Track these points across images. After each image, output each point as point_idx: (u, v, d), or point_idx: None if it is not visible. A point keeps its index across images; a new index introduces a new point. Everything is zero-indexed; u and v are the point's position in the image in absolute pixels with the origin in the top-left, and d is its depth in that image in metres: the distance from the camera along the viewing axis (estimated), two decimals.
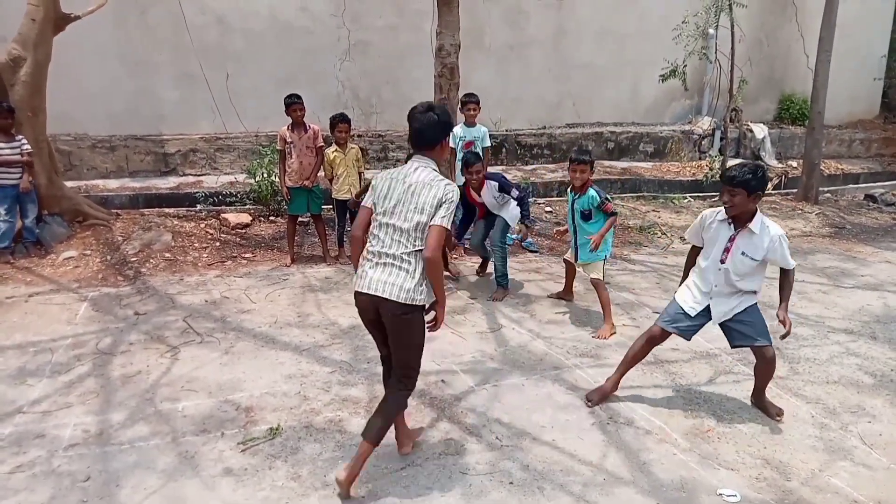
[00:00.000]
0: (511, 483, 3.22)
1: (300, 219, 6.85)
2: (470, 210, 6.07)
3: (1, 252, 5.96)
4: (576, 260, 5.26)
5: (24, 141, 6.02)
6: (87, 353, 4.48)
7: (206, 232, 7.05)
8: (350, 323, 5.06)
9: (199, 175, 8.68)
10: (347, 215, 6.59)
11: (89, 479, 3.16)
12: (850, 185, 11.14)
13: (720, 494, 3.18)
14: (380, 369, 3.99)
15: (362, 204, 3.14)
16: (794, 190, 10.13)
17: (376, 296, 2.97)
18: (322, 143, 6.34)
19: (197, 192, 7.87)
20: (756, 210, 3.65)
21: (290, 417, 3.75)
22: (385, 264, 2.98)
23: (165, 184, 8.28)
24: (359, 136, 8.97)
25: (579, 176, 4.95)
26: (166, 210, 7.56)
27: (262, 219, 7.50)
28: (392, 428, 3.26)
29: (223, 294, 5.60)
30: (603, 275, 5.11)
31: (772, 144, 11.15)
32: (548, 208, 8.62)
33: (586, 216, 5.07)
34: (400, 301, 2.94)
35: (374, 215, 3.07)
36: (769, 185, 10.53)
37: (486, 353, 4.63)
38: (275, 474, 3.24)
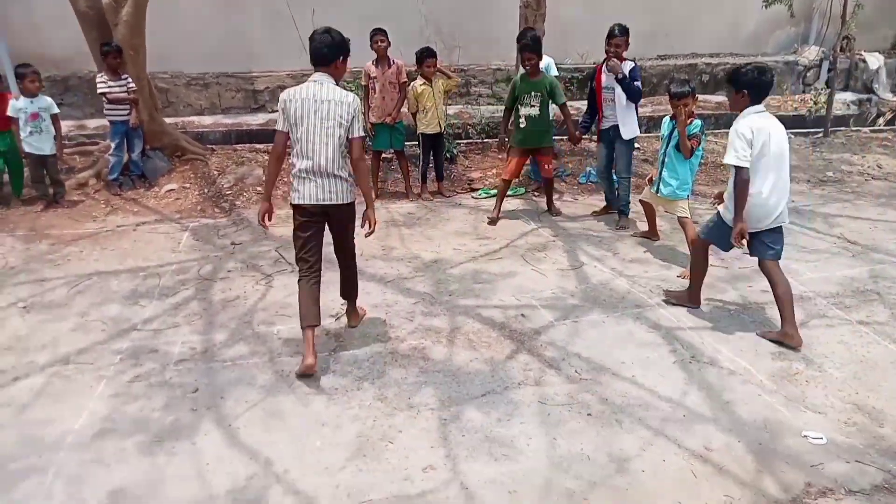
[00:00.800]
0: (589, 414, 3.28)
1: (384, 155, 6.94)
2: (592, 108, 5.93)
3: (111, 184, 6.41)
4: (657, 192, 5.09)
5: (130, 79, 6.36)
6: (191, 278, 4.82)
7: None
8: (433, 257, 5.18)
9: None
10: (431, 152, 6.63)
11: (197, 390, 3.47)
12: None
13: (805, 436, 3.12)
14: (460, 301, 4.11)
15: (278, 129, 3.55)
16: None
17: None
18: (405, 79, 6.34)
19: None
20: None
21: (376, 343, 3.93)
22: (321, 176, 3.53)
23: (255, 120, 8.57)
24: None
25: (685, 110, 4.75)
26: (257, 146, 7.84)
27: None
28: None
29: None
30: (689, 212, 4.97)
31: (888, 76, 10.21)
32: (636, 145, 8.31)
33: (680, 147, 4.86)
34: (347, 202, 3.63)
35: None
36: (881, 121, 9.74)
37: (566, 290, 4.65)
38: (363, 395, 3.44)
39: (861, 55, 10.26)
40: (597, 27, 10.15)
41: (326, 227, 3.76)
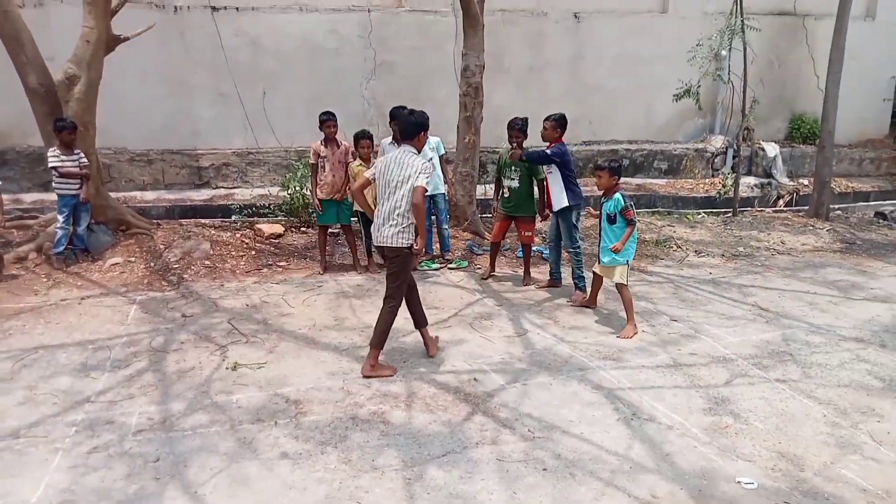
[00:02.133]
0: (545, 469, 3.50)
1: (330, 230, 7.17)
2: None
3: (56, 258, 6.33)
4: (599, 262, 5.63)
5: (82, 154, 6.42)
6: (142, 350, 4.80)
7: (242, 241, 7.40)
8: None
9: (231, 188, 9.07)
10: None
11: (159, 459, 3.47)
12: (861, 203, 11.37)
13: (738, 482, 3.44)
14: (415, 368, 4.34)
15: (366, 174, 4.72)
16: (806, 207, 10.40)
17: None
18: (351, 160, 6.68)
19: (231, 204, 8.26)
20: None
21: (336, 409, 4.04)
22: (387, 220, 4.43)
23: (199, 196, 8.68)
24: None
25: (599, 182, 5.56)
26: (202, 221, 7.94)
27: (293, 230, 7.85)
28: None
29: (262, 299, 5.93)
30: (626, 279, 5.45)
31: (783, 163, 11.42)
32: (582, 216, 8.90)
33: (611, 219, 5.45)
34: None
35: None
36: (780, 203, 10.81)
37: (513, 355, 4.92)
38: (327, 458, 3.53)
39: (760, 144, 11.47)
40: (527, 113, 10.99)
41: None
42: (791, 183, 11.23)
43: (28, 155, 8.38)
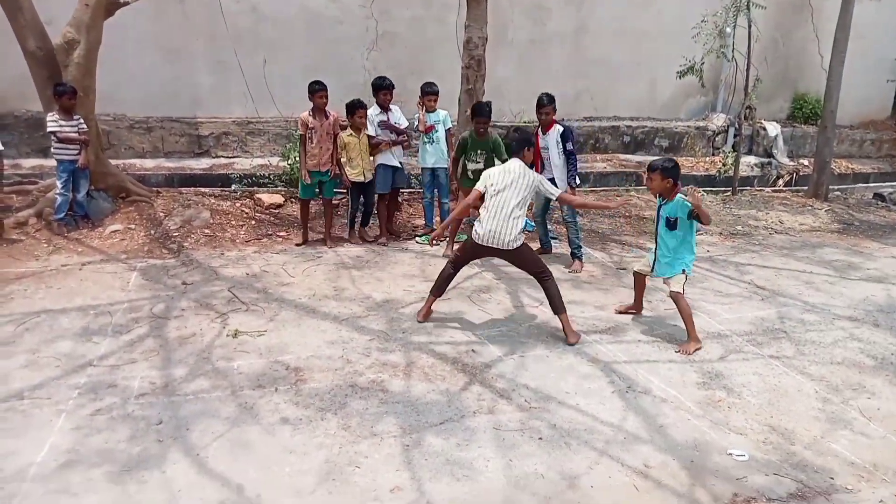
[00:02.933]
0: (540, 438, 3.56)
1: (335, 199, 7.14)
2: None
3: (57, 223, 6.33)
4: (652, 271, 4.98)
5: (82, 120, 6.38)
6: (143, 316, 4.84)
7: (242, 211, 7.41)
8: (383, 297, 5.40)
9: (231, 157, 9.03)
10: (361, 198, 6.90)
11: (161, 422, 3.52)
12: (860, 185, 11.40)
13: (730, 454, 3.51)
14: (414, 338, 4.36)
15: (477, 187, 4.84)
16: (805, 187, 10.41)
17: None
18: (339, 131, 6.56)
19: (231, 174, 8.23)
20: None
21: (336, 377, 4.10)
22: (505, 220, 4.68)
23: (199, 165, 8.65)
24: None
25: (651, 185, 4.79)
26: (202, 189, 7.92)
27: (293, 200, 7.84)
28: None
29: (262, 268, 5.96)
30: (683, 288, 4.77)
31: (784, 142, 11.40)
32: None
33: (672, 224, 4.71)
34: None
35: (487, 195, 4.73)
36: (780, 182, 10.82)
37: (511, 328, 4.97)
38: (327, 424, 3.59)
39: (761, 123, 11.43)
40: (529, 87, 10.93)
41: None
42: (791, 163, 11.23)
43: (27, 120, 8.30)
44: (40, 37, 6.54)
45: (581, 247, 6.38)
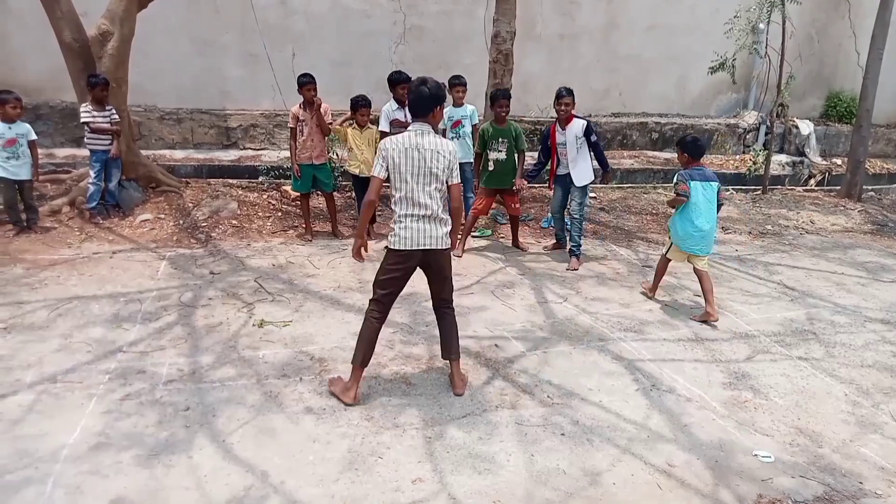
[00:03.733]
0: (563, 434, 3.55)
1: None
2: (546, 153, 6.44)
3: (90, 212, 6.47)
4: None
5: (114, 111, 6.50)
6: (172, 304, 4.92)
7: (269, 202, 7.49)
8: (407, 290, 5.35)
9: (258, 149, 9.13)
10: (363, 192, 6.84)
11: (189, 408, 3.58)
12: (895, 185, 11.13)
13: (755, 455, 3.46)
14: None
15: (374, 174, 3.66)
16: (838, 187, 10.19)
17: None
18: (331, 120, 6.42)
19: (258, 165, 8.32)
20: None
21: None
22: (424, 221, 3.66)
23: (227, 156, 8.75)
24: None
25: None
26: (230, 181, 8.02)
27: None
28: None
29: (288, 260, 6.01)
30: (669, 253, 5.40)
31: (817, 141, 11.16)
32: (592, 194, 8.85)
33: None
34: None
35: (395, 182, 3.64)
36: (812, 182, 10.60)
37: (535, 324, 4.95)
38: (350, 415, 3.62)
39: (794, 121, 11.21)
40: (557, 82, 10.85)
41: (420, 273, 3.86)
42: (824, 162, 10.99)
43: (61, 110, 8.48)
44: (76, 28, 6.66)
45: (580, 245, 6.30)
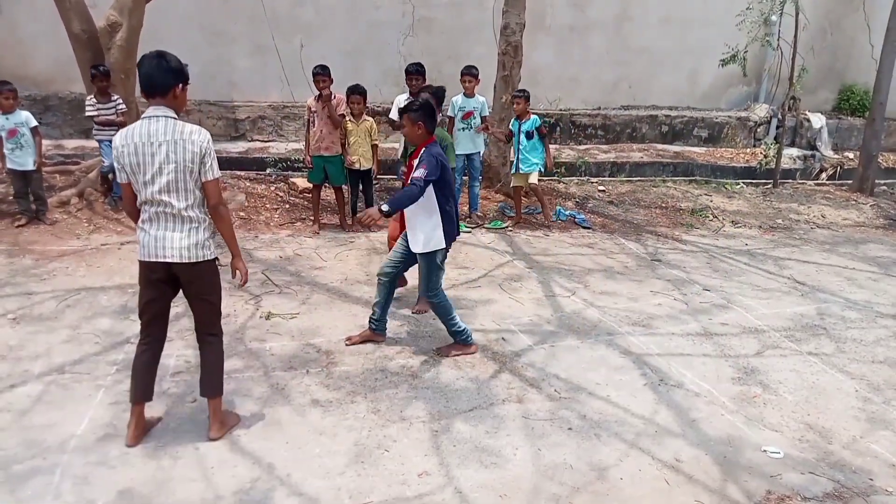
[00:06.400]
0: (570, 429, 3.54)
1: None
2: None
3: (112, 197, 6.53)
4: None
5: (120, 101, 6.50)
6: (179, 296, 4.90)
7: (276, 194, 7.48)
8: (414, 283, 5.37)
9: (266, 141, 9.12)
10: (360, 185, 6.79)
11: (195, 400, 3.58)
12: None
13: (764, 451, 3.44)
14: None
15: (121, 181, 3.04)
16: (850, 181, 10.08)
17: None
18: (343, 112, 6.39)
19: (266, 157, 8.31)
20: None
21: (366, 361, 4.12)
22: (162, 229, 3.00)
23: (235, 148, 8.75)
24: None
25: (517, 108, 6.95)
26: (238, 172, 8.01)
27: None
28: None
29: (295, 252, 6.01)
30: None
31: (829, 135, 11.03)
32: (600, 187, 8.81)
33: (529, 136, 6.90)
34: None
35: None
36: (823, 176, 10.49)
37: (542, 317, 4.93)
38: (357, 407, 3.62)
39: (805, 115, 11.08)
40: (567, 75, 10.75)
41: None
42: (836, 156, 10.87)
43: (70, 101, 8.49)
44: (85, 19, 6.65)
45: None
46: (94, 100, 6.41)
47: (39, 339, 4.15)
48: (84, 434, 3.24)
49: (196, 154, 2.93)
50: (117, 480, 2.94)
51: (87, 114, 6.41)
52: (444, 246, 4.10)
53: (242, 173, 8.05)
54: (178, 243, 3.00)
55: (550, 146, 7.29)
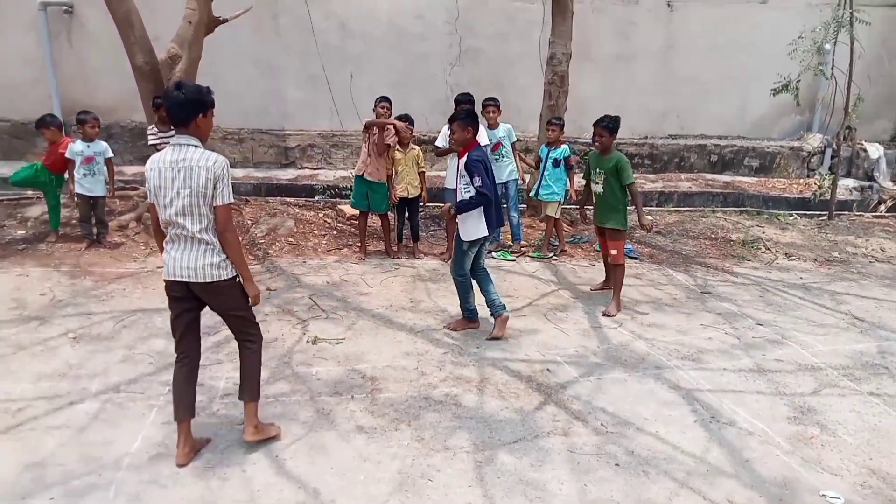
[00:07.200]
0: (617, 464, 3.46)
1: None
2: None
3: None
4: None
5: None
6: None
7: (324, 221, 7.63)
8: (458, 311, 5.40)
9: (315, 169, 9.34)
10: (406, 213, 6.88)
11: (243, 423, 3.63)
12: None
13: (823, 495, 3.29)
14: (488, 354, 4.25)
15: (149, 202, 3.22)
16: None
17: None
18: (389, 142, 6.44)
19: (315, 185, 8.51)
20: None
21: (410, 388, 4.13)
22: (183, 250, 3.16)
23: (285, 175, 8.99)
24: None
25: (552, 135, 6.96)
26: (287, 199, 8.21)
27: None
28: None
29: (342, 278, 6.10)
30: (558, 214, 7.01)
31: (887, 165, 10.68)
32: (647, 217, 8.68)
33: (556, 164, 6.90)
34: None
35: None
36: (882, 207, 10.13)
37: (588, 349, 4.86)
38: (401, 435, 3.62)
39: (862, 145, 10.77)
40: (613, 104, 10.70)
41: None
42: (895, 187, 10.51)
43: (131, 130, 8.90)
44: (148, 52, 6.97)
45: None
46: (156, 128, 6.69)
47: (97, 359, 4.30)
48: (137, 452, 3.33)
49: (209, 180, 3.07)
50: (168, 499, 3.00)
51: (150, 142, 6.68)
52: (486, 234, 4.82)
53: (292, 200, 8.25)
54: (192, 263, 3.16)
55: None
